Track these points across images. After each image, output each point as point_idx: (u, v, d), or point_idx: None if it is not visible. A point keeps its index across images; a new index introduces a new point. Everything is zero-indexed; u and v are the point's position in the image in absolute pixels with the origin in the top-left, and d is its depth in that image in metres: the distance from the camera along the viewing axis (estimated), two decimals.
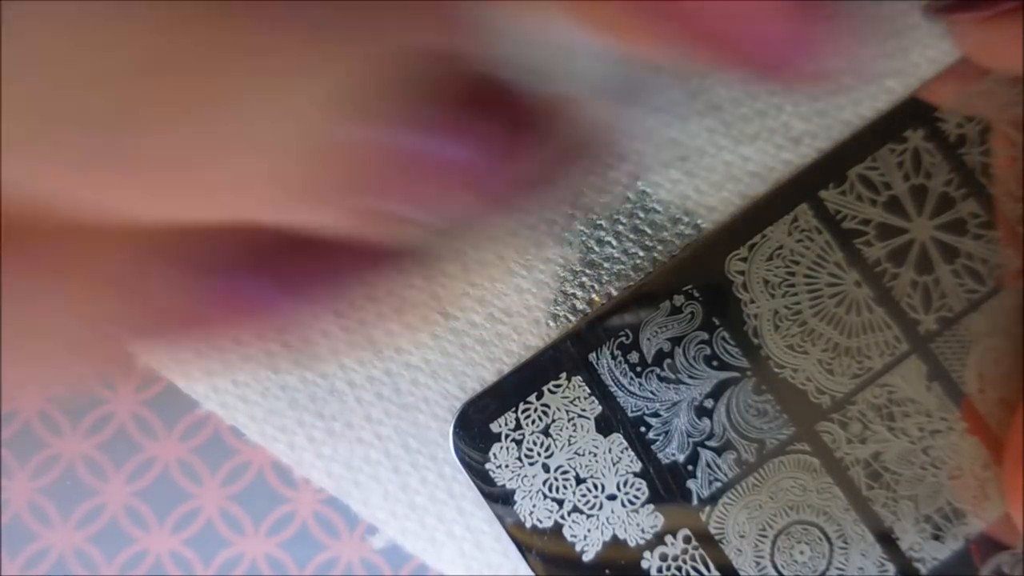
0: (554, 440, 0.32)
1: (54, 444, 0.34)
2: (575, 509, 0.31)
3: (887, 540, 0.31)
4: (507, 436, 0.32)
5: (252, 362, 0.33)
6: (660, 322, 0.32)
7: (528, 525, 0.31)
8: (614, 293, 0.33)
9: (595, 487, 0.31)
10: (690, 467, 0.31)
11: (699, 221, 0.33)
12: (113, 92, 0.15)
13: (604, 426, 0.32)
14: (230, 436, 0.34)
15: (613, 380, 0.32)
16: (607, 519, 0.31)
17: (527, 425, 0.32)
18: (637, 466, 0.31)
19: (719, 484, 0.31)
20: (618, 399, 0.32)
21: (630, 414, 0.32)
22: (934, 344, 0.32)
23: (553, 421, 0.32)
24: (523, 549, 0.31)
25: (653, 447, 0.31)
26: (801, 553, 0.31)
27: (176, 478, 0.34)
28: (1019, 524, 0.29)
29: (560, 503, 0.31)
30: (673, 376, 0.32)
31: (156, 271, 0.19)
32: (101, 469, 0.34)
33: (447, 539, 0.33)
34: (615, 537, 0.31)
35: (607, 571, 0.31)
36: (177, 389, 0.33)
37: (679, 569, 0.31)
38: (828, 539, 0.31)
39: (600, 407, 0.32)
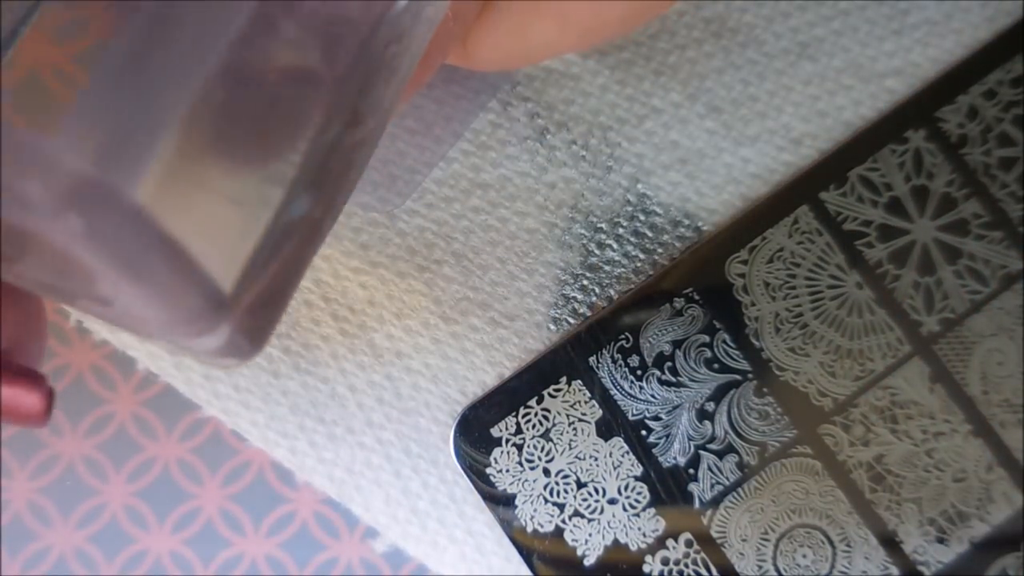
0: (555, 444, 0.31)
1: (54, 444, 0.34)
2: (576, 513, 0.31)
3: (891, 543, 0.31)
4: (508, 440, 0.32)
5: (253, 367, 0.33)
6: (661, 325, 0.32)
7: (529, 529, 0.31)
8: (614, 296, 0.33)
9: (596, 491, 0.31)
10: (691, 470, 0.31)
11: (700, 224, 0.33)
12: None
13: (605, 430, 0.31)
14: (230, 436, 0.34)
15: (614, 384, 0.32)
16: (608, 523, 0.31)
17: (528, 429, 0.32)
18: (638, 470, 0.31)
19: (721, 487, 0.31)
20: (619, 403, 0.32)
21: (631, 418, 0.31)
22: (937, 346, 0.32)
23: (554, 425, 0.32)
24: (524, 553, 0.31)
25: (654, 451, 0.31)
26: (804, 556, 0.31)
27: (176, 478, 0.34)
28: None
29: (561, 507, 0.31)
30: (674, 379, 0.32)
31: None
32: (101, 469, 0.34)
33: (448, 543, 0.33)
34: (616, 541, 0.31)
35: (608, 575, 0.31)
36: (177, 389, 0.33)
37: (680, 573, 0.31)
38: (831, 542, 0.31)
39: (601, 411, 0.32)
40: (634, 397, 0.32)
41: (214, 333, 0.17)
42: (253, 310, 0.17)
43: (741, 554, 0.31)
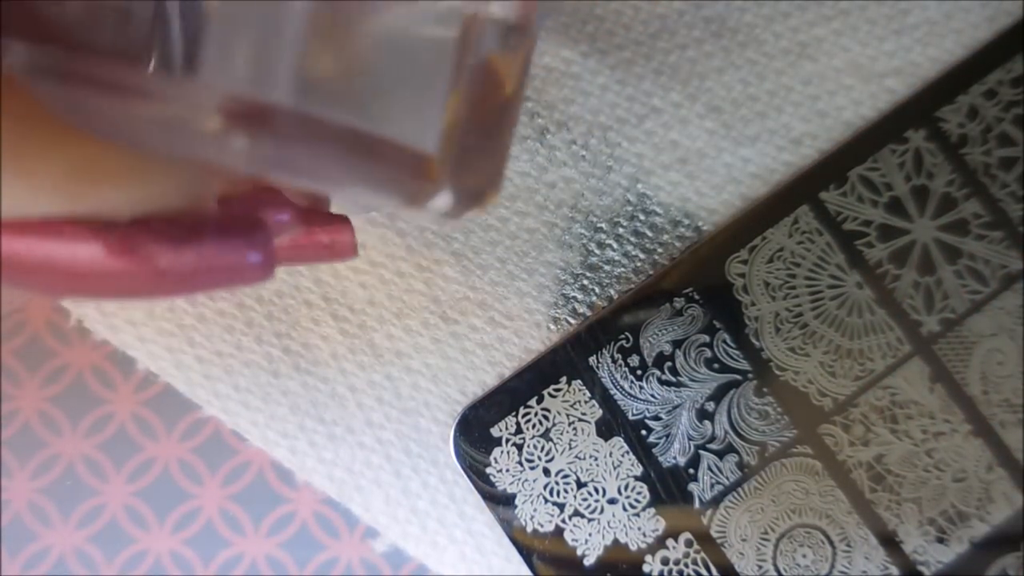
0: (555, 444, 0.31)
1: (54, 444, 0.34)
2: (576, 513, 0.31)
3: (890, 543, 0.31)
4: (508, 440, 0.32)
5: (253, 367, 0.33)
6: (661, 325, 0.32)
7: (529, 529, 0.31)
8: (614, 296, 0.33)
9: (596, 491, 0.31)
10: (691, 470, 0.31)
11: (700, 223, 0.33)
12: None
13: (605, 430, 0.31)
14: (230, 436, 0.34)
15: (614, 383, 0.32)
16: (608, 523, 0.31)
17: (528, 429, 0.32)
18: (638, 470, 0.31)
19: (721, 487, 0.31)
20: (619, 402, 0.32)
21: (631, 417, 0.31)
22: (937, 346, 0.32)
23: (554, 425, 0.32)
24: (524, 553, 0.31)
25: (654, 450, 0.31)
26: (804, 556, 0.31)
27: (176, 478, 0.34)
28: None
29: (561, 507, 0.31)
30: (674, 379, 0.32)
31: None
32: (101, 469, 0.34)
33: (448, 543, 0.33)
34: (616, 541, 0.31)
35: (608, 575, 0.31)
36: (177, 389, 0.33)
37: (680, 573, 0.31)
38: (831, 542, 0.31)
39: (601, 411, 0.32)
40: (634, 397, 0.32)
41: (438, 197, 0.17)
42: (467, 164, 0.17)
43: (741, 554, 0.31)
